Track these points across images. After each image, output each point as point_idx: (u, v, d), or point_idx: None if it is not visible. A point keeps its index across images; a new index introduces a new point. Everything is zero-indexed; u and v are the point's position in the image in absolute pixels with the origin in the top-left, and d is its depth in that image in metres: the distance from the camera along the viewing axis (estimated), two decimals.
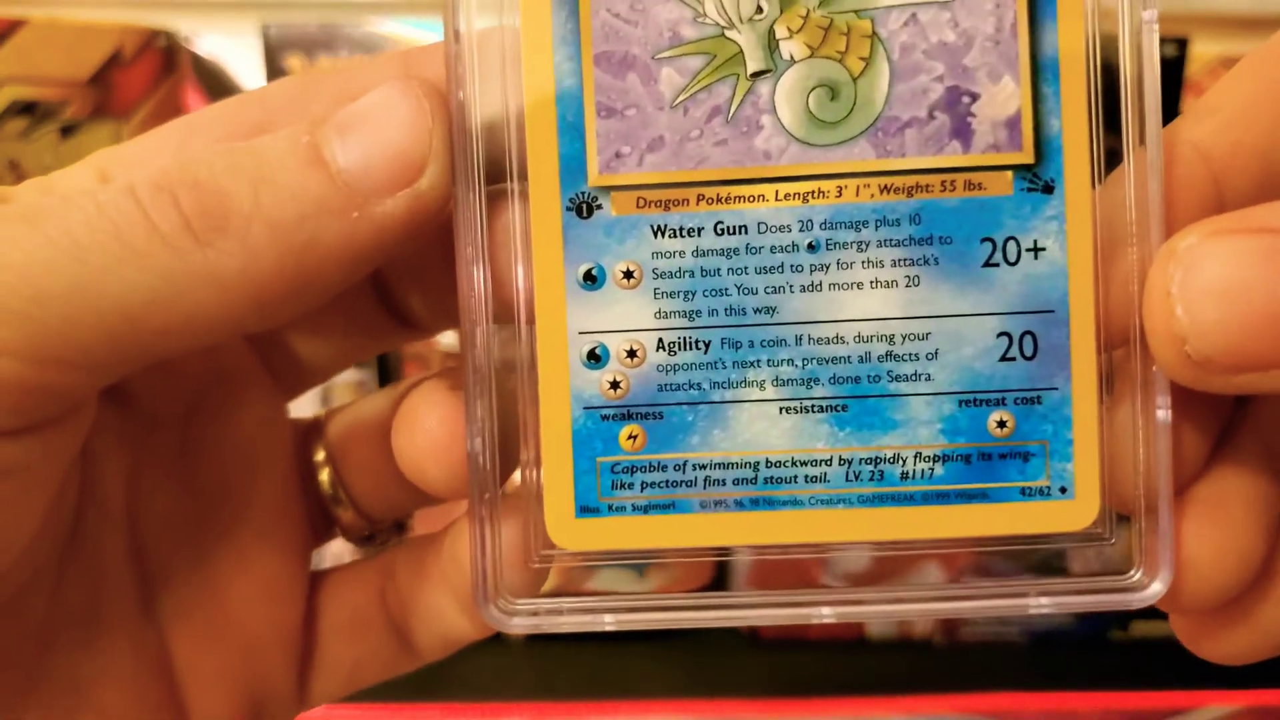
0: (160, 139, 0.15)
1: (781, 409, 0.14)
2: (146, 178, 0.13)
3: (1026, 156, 0.13)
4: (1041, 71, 0.13)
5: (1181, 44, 0.48)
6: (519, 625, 0.14)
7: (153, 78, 0.53)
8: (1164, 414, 0.13)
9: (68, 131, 0.50)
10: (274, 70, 0.48)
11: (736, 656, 0.46)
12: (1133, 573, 0.14)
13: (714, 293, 0.14)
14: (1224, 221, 0.12)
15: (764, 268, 0.14)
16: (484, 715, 0.41)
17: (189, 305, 0.12)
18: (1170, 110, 0.49)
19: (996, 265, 0.14)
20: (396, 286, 0.16)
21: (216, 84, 0.53)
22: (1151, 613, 0.14)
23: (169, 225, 0.12)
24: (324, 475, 0.17)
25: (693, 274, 0.14)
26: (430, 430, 0.14)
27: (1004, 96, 0.13)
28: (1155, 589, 0.13)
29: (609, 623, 0.14)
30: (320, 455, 0.17)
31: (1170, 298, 0.12)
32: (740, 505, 0.14)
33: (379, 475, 0.17)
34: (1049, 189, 0.13)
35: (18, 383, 0.12)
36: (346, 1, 0.53)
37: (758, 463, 0.14)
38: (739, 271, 0.14)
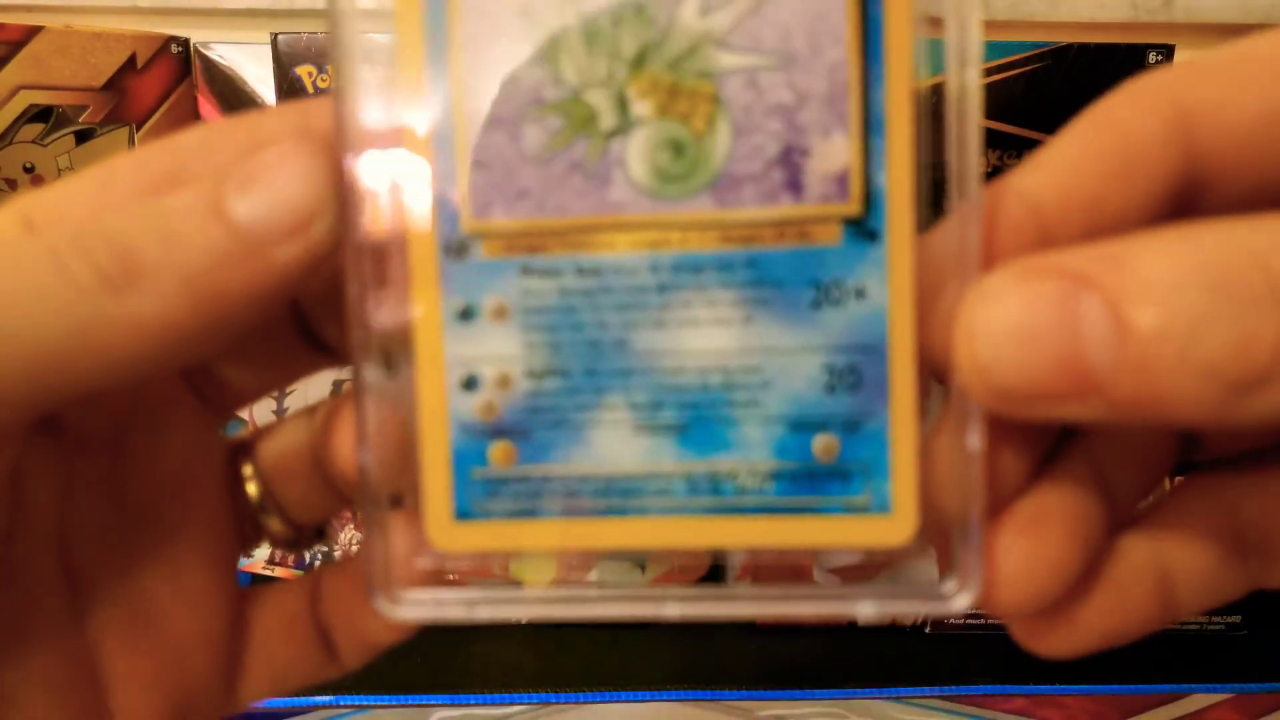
0: (79, 186, 0.17)
1: (633, 429, 0.16)
2: (63, 234, 0.15)
3: (854, 208, 0.15)
4: (870, 129, 0.15)
5: (1168, 51, 0.48)
6: (404, 614, 0.16)
7: (166, 84, 0.55)
8: (975, 439, 0.15)
9: (83, 137, 0.53)
10: (284, 78, 0.50)
11: (733, 645, 0.48)
12: (948, 582, 0.16)
13: (575, 327, 0.16)
14: (1028, 264, 0.14)
15: (618, 305, 0.16)
16: (487, 706, 0.44)
17: (108, 349, 0.14)
18: None
19: (823, 306, 0.15)
20: (314, 318, 0.18)
21: (229, 91, 0.55)
22: None
23: (86, 277, 0.14)
24: (252, 487, 0.19)
25: (556, 310, 0.16)
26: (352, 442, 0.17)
27: (834, 152, 0.15)
28: (966, 597, 0.15)
29: (483, 614, 0.16)
30: (248, 470, 0.19)
31: (974, 334, 0.14)
32: (596, 513, 0.16)
33: (305, 484, 0.19)
34: (872, 237, 0.15)
35: None
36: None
37: (612, 476, 0.16)
38: (597, 309, 0.16)
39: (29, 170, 0.51)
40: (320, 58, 0.50)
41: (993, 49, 0.51)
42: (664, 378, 0.16)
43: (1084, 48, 0.50)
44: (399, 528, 0.16)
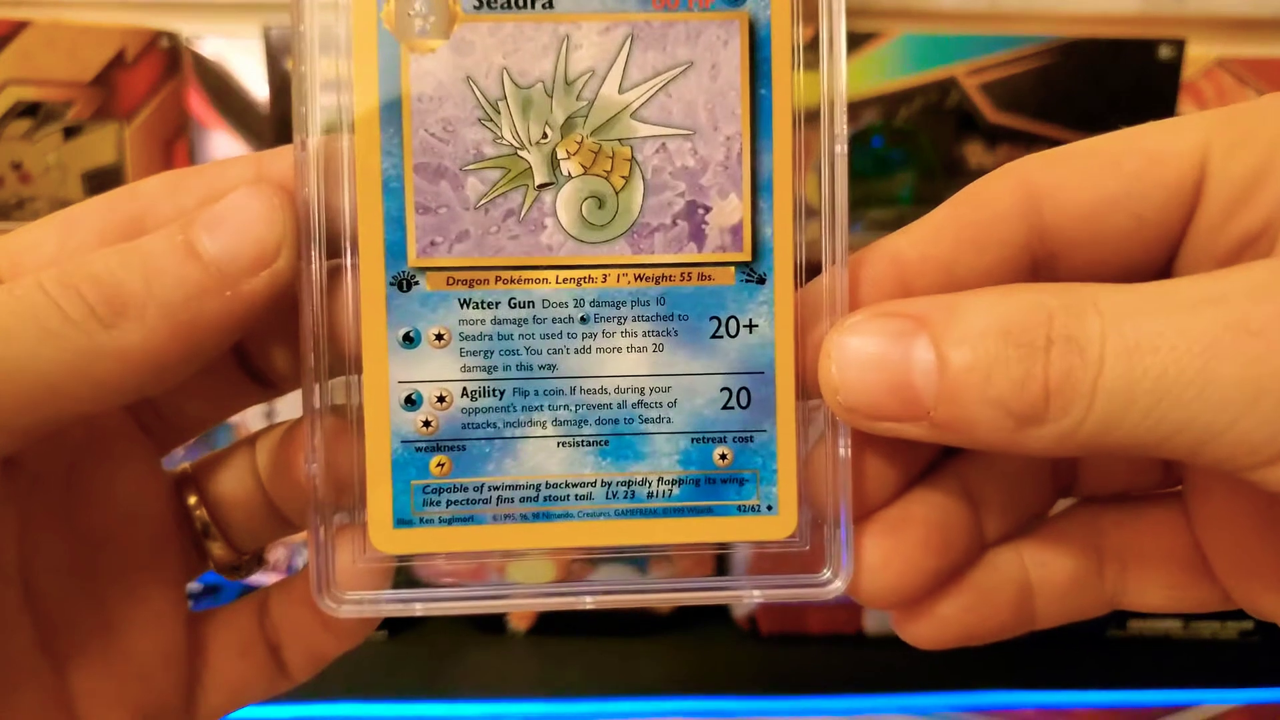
0: (43, 231, 0.19)
1: (559, 443, 0.18)
2: (49, 275, 0.16)
3: (745, 255, 0.18)
4: (759, 191, 0.18)
5: (1178, 46, 0.52)
6: (347, 611, 0.18)
7: (155, 79, 0.54)
8: (844, 451, 0.19)
9: (71, 133, 0.51)
10: (275, 72, 0.49)
11: (736, 651, 0.49)
12: (824, 572, 0.19)
13: (508, 353, 0.18)
14: (883, 305, 0.17)
15: (547, 334, 0.18)
16: (488, 710, 0.44)
17: (99, 375, 0.16)
18: (1167, 113, 0.54)
19: (721, 337, 0.19)
20: (253, 352, 0.20)
21: (218, 85, 0.54)
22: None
23: (78, 312, 0.16)
24: (199, 514, 0.21)
25: (491, 338, 0.18)
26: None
27: (730, 209, 0.18)
28: (836, 585, 0.19)
29: (418, 609, 0.18)
30: (193, 499, 0.21)
31: (830, 359, 0.17)
32: (525, 518, 0.18)
33: (247, 511, 0.21)
34: (761, 280, 0.19)
35: None
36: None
37: (539, 485, 0.18)
38: (528, 337, 0.18)
39: (16, 167, 0.49)
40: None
41: (1002, 42, 0.55)
42: (586, 398, 0.18)
43: (1094, 41, 0.54)
44: (344, 533, 0.18)
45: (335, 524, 0.18)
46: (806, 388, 0.19)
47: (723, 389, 0.19)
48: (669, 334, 0.18)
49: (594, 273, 0.18)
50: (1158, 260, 0.19)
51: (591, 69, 0.18)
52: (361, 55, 0.18)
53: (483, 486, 0.18)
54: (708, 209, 0.18)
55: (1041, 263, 0.19)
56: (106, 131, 0.52)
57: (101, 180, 0.55)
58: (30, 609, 0.19)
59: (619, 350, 0.18)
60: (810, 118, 0.18)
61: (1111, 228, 0.18)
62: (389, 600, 0.18)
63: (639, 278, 0.18)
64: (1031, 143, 0.56)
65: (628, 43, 0.18)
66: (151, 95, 0.53)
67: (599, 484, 0.18)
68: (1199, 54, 0.55)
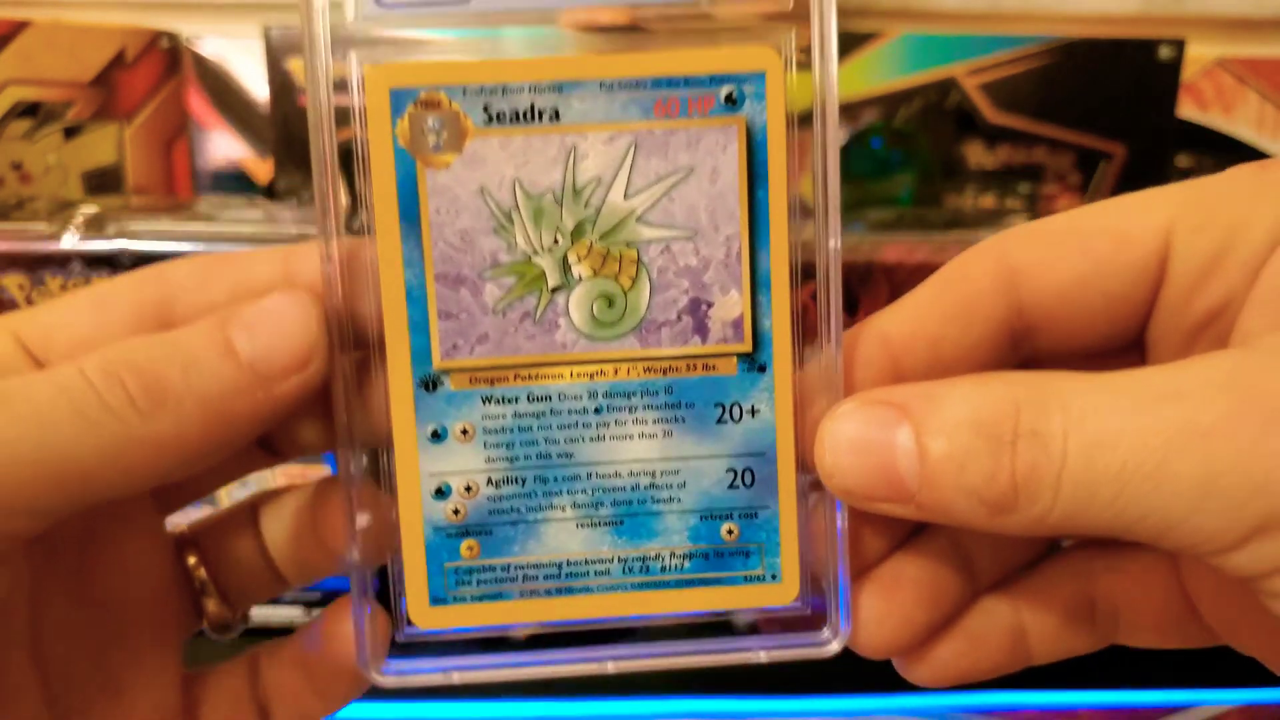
0: (75, 308, 0.20)
1: (577, 524, 0.20)
2: (92, 362, 0.18)
3: (746, 347, 0.20)
4: (758, 286, 0.20)
5: (1178, 46, 0.52)
6: (389, 681, 0.20)
7: (156, 79, 0.54)
8: (841, 521, 0.20)
9: (71, 133, 0.52)
10: (275, 72, 0.50)
11: None
12: (824, 631, 0.21)
13: (528, 443, 0.20)
14: (870, 394, 0.19)
15: (564, 425, 0.20)
16: (489, 710, 0.45)
17: (132, 462, 0.18)
18: (1167, 113, 0.54)
19: (725, 422, 0.20)
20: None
21: (219, 86, 0.54)
22: None
23: (117, 401, 0.17)
24: (199, 574, 0.22)
25: (512, 430, 0.20)
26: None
27: (731, 304, 0.20)
28: (836, 644, 0.21)
29: (455, 678, 0.20)
30: (193, 559, 0.22)
31: (825, 444, 0.19)
32: (548, 593, 0.20)
33: (244, 572, 0.22)
34: (762, 369, 0.20)
35: None
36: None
37: (561, 563, 0.20)
38: (546, 428, 0.20)
39: (16, 167, 0.50)
40: None
41: (1002, 42, 0.55)
42: (602, 482, 0.20)
43: (1094, 41, 0.54)
44: (385, 610, 0.20)
45: (376, 603, 0.20)
46: (806, 463, 0.20)
47: (728, 470, 0.20)
48: (677, 421, 0.20)
49: (606, 367, 0.20)
50: (1131, 332, 0.20)
51: (598, 177, 0.19)
52: (379, 171, 0.19)
53: (509, 566, 0.20)
54: (710, 304, 0.20)
55: (1021, 336, 0.20)
56: (106, 131, 0.53)
57: (101, 180, 0.55)
58: (38, 670, 0.20)
59: (631, 437, 0.20)
60: (806, 213, 0.20)
61: (1084, 305, 0.20)
62: (428, 670, 0.20)
63: (648, 370, 0.20)
64: (1032, 143, 0.56)
65: (631, 151, 0.19)
66: (151, 95, 0.54)
67: (616, 560, 0.20)
68: (1199, 54, 0.56)
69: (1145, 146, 0.56)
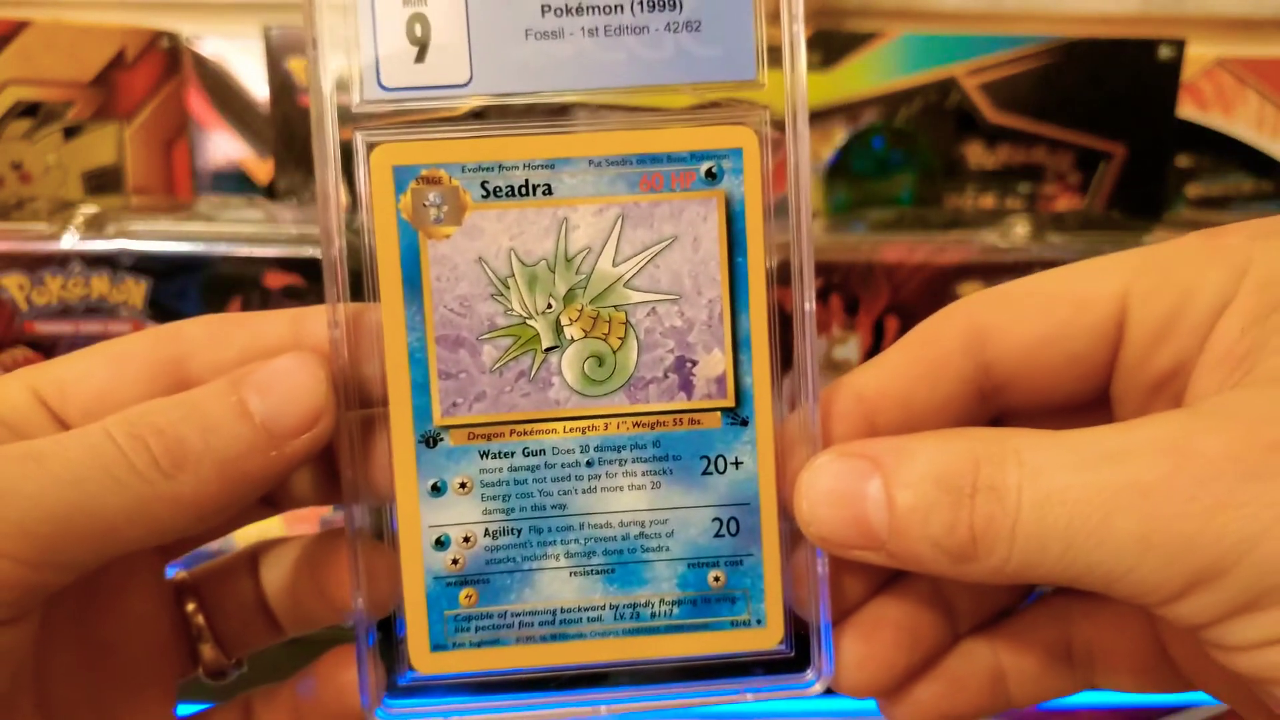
0: (92, 363, 0.21)
1: (570, 573, 0.22)
2: (117, 425, 0.19)
3: (729, 402, 0.21)
4: (739, 345, 0.21)
5: (1178, 46, 0.53)
6: None
7: (155, 79, 0.54)
8: (822, 569, 0.22)
9: (71, 133, 0.52)
10: (275, 72, 0.50)
11: None
12: (807, 673, 0.22)
13: (523, 495, 0.21)
14: (845, 447, 0.20)
15: (557, 478, 0.21)
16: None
17: (154, 520, 0.19)
18: (1167, 113, 0.55)
19: (711, 474, 0.22)
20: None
21: (219, 85, 0.55)
22: None
23: (143, 463, 0.19)
24: (197, 620, 0.23)
25: (509, 484, 0.21)
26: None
27: (714, 362, 0.21)
28: (819, 685, 0.22)
29: (455, 717, 0.22)
30: (192, 605, 0.23)
31: (802, 495, 0.20)
32: (544, 639, 0.22)
33: (240, 620, 0.24)
34: (744, 423, 0.21)
35: (21, 583, 0.18)
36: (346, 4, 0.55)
37: (555, 610, 0.22)
38: (540, 481, 0.21)
39: (16, 167, 0.51)
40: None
41: (1002, 42, 0.56)
42: (594, 532, 0.22)
43: (1094, 41, 0.55)
44: (386, 655, 0.22)
45: (379, 644, 0.22)
46: (788, 510, 0.22)
47: (714, 519, 0.22)
48: (665, 473, 0.21)
49: (596, 422, 0.21)
50: (1095, 389, 0.21)
51: (588, 246, 0.21)
52: (383, 242, 0.20)
53: (506, 614, 0.22)
54: (695, 363, 0.21)
55: (990, 393, 0.21)
56: (106, 131, 0.53)
57: (101, 180, 0.56)
58: (41, 714, 0.21)
59: (621, 489, 0.21)
60: (784, 278, 0.21)
61: (1047, 365, 0.21)
62: (429, 712, 0.22)
63: (636, 425, 0.21)
64: (1032, 143, 0.57)
65: (619, 222, 0.21)
66: (151, 95, 0.54)
67: (608, 607, 0.22)
68: (1199, 54, 0.56)
69: (1145, 146, 0.57)
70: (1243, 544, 0.16)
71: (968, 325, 0.21)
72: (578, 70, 0.20)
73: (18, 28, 0.49)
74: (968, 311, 0.21)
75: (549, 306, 0.21)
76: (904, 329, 0.50)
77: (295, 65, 0.52)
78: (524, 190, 0.20)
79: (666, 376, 0.21)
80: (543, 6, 0.20)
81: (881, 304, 0.51)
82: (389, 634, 0.22)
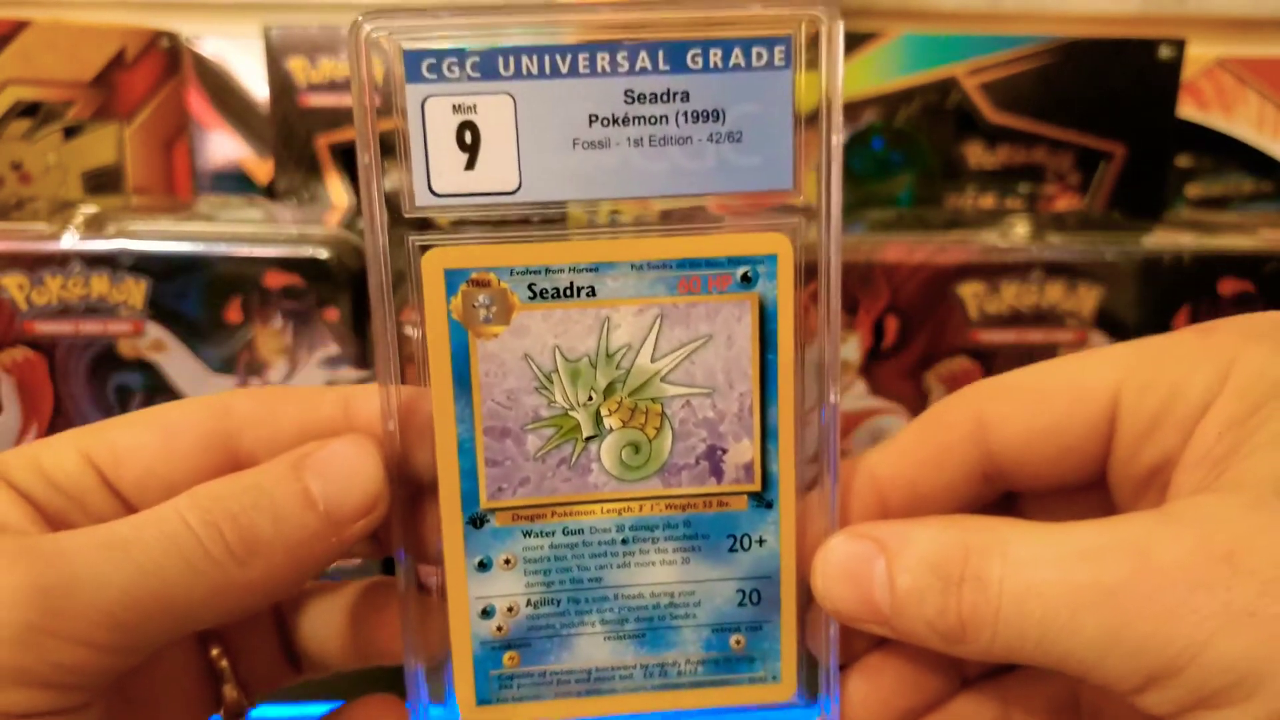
0: (143, 433, 0.23)
1: (605, 638, 0.24)
2: (192, 511, 0.21)
3: (756, 487, 0.24)
4: (767, 435, 0.24)
5: (1178, 46, 0.54)
6: None
7: (155, 79, 0.55)
8: (834, 630, 0.24)
9: (71, 133, 0.53)
10: (275, 72, 0.51)
11: None
12: (814, 712, 0.25)
13: (563, 570, 0.24)
14: (854, 529, 0.23)
15: (594, 555, 0.24)
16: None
17: (227, 604, 0.21)
18: (1167, 112, 0.57)
19: (736, 551, 0.24)
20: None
21: (219, 85, 0.56)
22: None
23: (219, 551, 0.21)
24: (222, 664, 0.25)
25: (549, 560, 0.24)
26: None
27: (743, 450, 0.24)
28: None
29: None
30: (216, 650, 0.25)
31: (818, 572, 0.23)
32: (580, 694, 0.25)
33: (268, 663, 0.26)
34: (769, 505, 0.24)
35: (102, 670, 0.19)
36: (347, 3, 0.55)
37: (591, 670, 0.24)
38: (579, 557, 0.24)
39: (16, 167, 0.51)
40: (313, 49, 0.50)
41: (1002, 42, 0.57)
42: (627, 602, 0.24)
43: (1094, 41, 0.56)
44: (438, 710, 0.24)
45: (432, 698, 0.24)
46: (807, 581, 0.24)
47: (738, 590, 0.24)
48: (694, 550, 0.24)
49: (632, 504, 0.24)
50: (1092, 475, 0.24)
51: (628, 343, 0.23)
52: (434, 340, 0.23)
53: (545, 673, 0.24)
54: (725, 451, 0.24)
55: (993, 477, 0.24)
56: (106, 131, 0.54)
57: (101, 180, 0.58)
58: None
59: (653, 564, 0.24)
60: (816, 375, 0.24)
61: (1044, 454, 0.23)
62: None
63: (669, 507, 0.24)
64: (1032, 143, 0.59)
65: (658, 322, 0.23)
66: (151, 95, 0.55)
67: (639, 667, 0.25)
68: (1199, 54, 0.58)
69: (1145, 146, 0.59)
70: (1191, 648, 0.18)
71: (972, 414, 0.23)
72: (622, 179, 0.22)
73: (18, 28, 0.49)
74: (975, 400, 0.24)
75: (590, 399, 0.23)
76: (904, 329, 0.52)
77: (295, 65, 0.53)
78: (569, 292, 0.23)
79: (698, 463, 0.24)
80: (590, 116, 0.22)
81: (881, 304, 0.53)
82: (436, 686, 0.25)
